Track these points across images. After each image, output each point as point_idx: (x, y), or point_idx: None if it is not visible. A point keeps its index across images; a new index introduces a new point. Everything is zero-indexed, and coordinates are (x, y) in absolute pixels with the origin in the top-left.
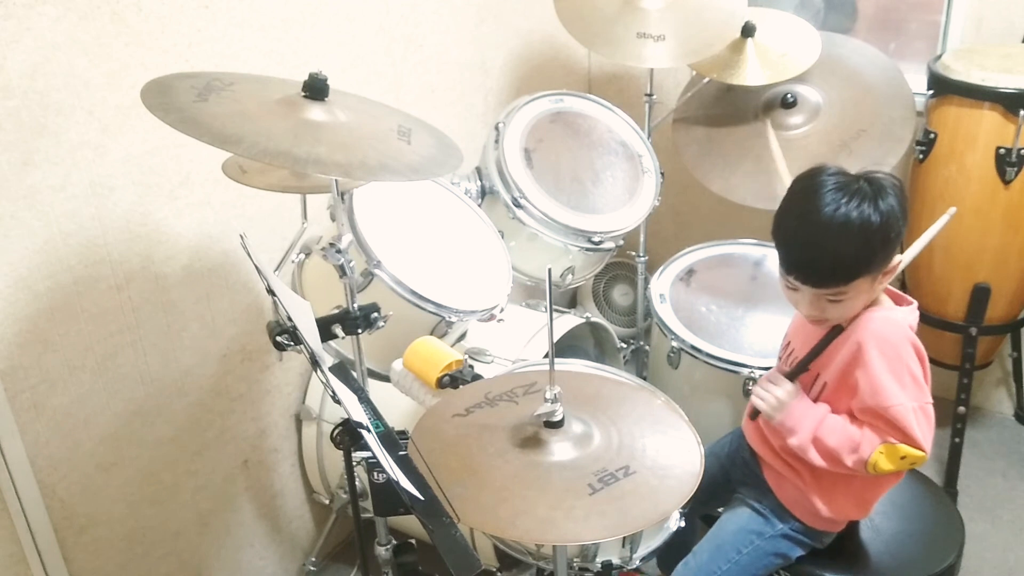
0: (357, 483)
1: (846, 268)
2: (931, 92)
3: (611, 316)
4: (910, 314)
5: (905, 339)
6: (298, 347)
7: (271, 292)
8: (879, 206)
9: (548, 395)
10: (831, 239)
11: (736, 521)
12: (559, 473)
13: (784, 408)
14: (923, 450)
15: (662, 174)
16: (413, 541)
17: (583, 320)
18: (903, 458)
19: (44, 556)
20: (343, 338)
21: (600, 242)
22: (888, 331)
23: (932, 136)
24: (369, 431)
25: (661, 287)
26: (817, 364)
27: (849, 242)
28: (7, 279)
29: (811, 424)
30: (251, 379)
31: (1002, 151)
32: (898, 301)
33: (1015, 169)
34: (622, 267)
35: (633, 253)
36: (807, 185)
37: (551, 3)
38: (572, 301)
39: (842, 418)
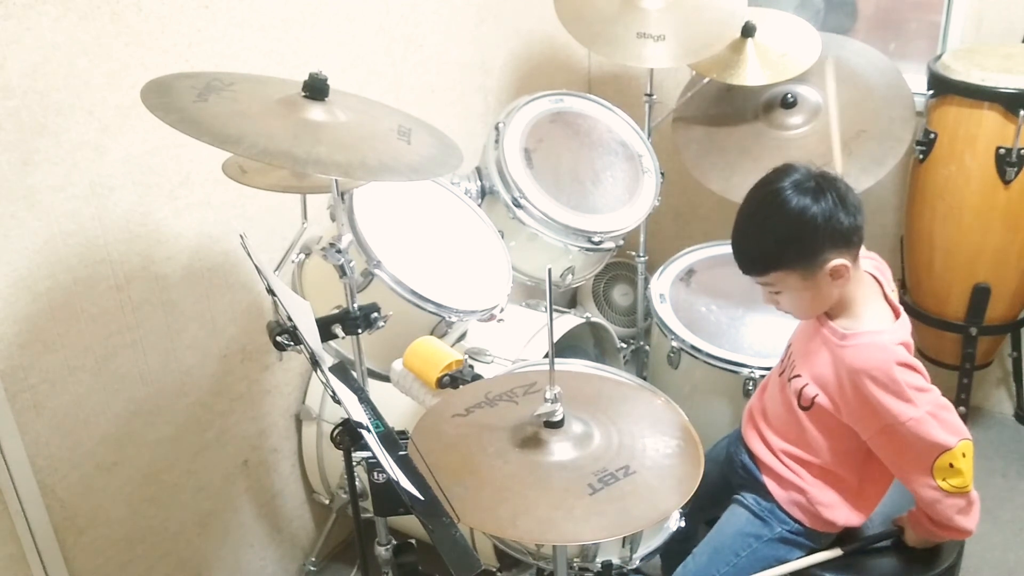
0: (357, 483)
1: (756, 258)
2: (931, 92)
3: (611, 316)
4: (900, 329)
5: (891, 361)
6: (298, 347)
7: (271, 292)
8: (793, 202)
9: (548, 395)
10: (744, 230)
11: (735, 524)
12: (559, 473)
13: (924, 540)
14: (955, 443)
15: (662, 174)
16: (413, 541)
17: (583, 320)
18: (952, 465)
19: (44, 556)
20: (343, 338)
21: (600, 242)
22: (874, 360)
23: (932, 136)
24: (369, 431)
25: (661, 287)
26: (808, 374)
27: (757, 232)
28: (7, 279)
29: (924, 530)
30: (251, 379)
31: (1002, 151)
32: (893, 311)
33: (1015, 169)
34: (622, 267)
35: (633, 253)
36: (762, 179)
37: (551, 3)
38: (572, 301)
39: (915, 509)
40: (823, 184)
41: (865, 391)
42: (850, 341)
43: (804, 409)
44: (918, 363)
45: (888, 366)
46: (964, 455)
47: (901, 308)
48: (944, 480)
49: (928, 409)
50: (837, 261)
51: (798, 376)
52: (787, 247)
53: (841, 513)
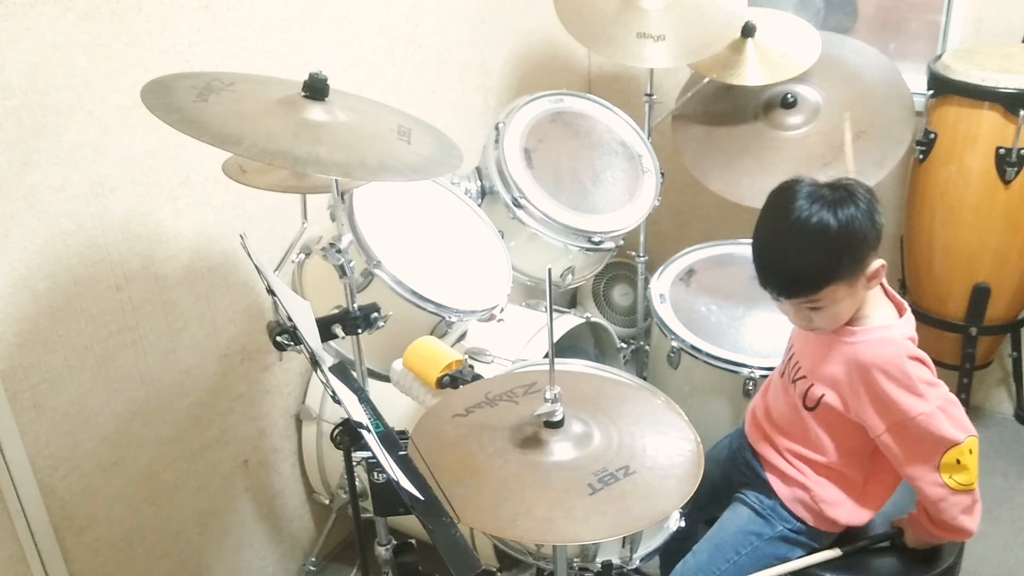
0: (357, 483)
1: (809, 278)
2: (931, 92)
3: (611, 316)
4: (906, 325)
5: (903, 355)
6: (298, 347)
7: (271, 292)
8: (837, 213)
9: (548, 395)
10: (790, 250)
11: (736, 521)
12: (559, 473)
13: (924, 542)
14: (963, 438)
15: (662, 174)
16: (413, 541)
17: (583, 320)
18: (959, 461)
19: (44, 556)
20: (343, 338)
21: (600, 242)
22: (886, 354)
23: (932, 136)
24: (369, 431)
25: (661, 287)
26: (814, 375)
27: (807, 252)
28: (7, 279)
29: (924, 532)
30: (251, 379)
31: (1002, 151)
32: (896, 307)
33: (1015, 169)
34: (622, 267)
35: (633, 253)
36: (774, 199)
37: (551, 3)
38: (572, 301)
39: (916, 511)
40: (849, 189)
41: (877, 387)
42: (860, 337)
43: (809, 409)
44: (927, 357)
45: (900, 360)
46: (971, 451)
47: (906, 304)
48: (951, 477)
49: (938, 404)
50: (878, 262)
51: (803, 378)
52: (842, 258)
53: (844, 511)
